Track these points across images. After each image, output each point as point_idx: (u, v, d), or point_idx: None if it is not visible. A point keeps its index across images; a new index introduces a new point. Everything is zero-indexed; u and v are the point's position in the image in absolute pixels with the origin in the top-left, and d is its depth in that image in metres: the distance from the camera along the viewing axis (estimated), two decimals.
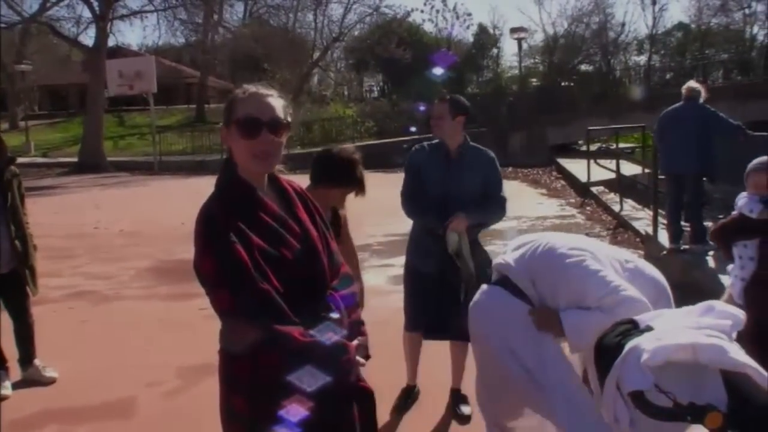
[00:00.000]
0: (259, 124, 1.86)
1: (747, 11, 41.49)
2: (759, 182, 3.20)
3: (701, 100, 6.67)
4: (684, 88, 6.84)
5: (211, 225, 1.81)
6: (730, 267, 3.50)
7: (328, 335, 1.75)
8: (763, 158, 3.33)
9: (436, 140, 3.75)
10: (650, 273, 2.64)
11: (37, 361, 4.56)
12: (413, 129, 20.64)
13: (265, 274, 1.75)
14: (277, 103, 1.92)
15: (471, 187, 3.59)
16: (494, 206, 3.66)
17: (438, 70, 25.28)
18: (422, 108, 20.56)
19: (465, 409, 3.75)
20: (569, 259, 2.58)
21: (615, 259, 2.61)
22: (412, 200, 3.70)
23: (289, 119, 1.95)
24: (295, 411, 1.71)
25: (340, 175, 3.00)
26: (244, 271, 1.73)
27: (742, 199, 3.36)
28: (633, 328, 1.61)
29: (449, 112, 3.59)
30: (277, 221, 1.88)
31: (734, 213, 3.40)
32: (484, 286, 2.89)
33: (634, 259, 2.74)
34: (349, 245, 3.24)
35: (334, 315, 1.84)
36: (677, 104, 6.82)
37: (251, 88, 1.94)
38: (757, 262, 3.24)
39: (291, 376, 1.68)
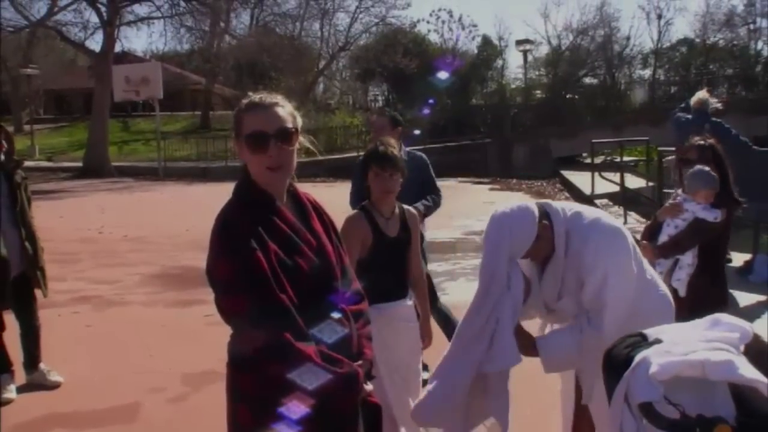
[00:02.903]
0: (267, 138, 1.84)
1: (752, 26, 41.59)
2: (708, 196, 3.66)
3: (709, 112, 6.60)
4: (693, 100, 6.78)
5: (230, 229, 1.80)
6: (665, 265, 3.79)
7: (329, 335, 1.76)
8: (710, 175, 3.68)
9: None
10: (663, 289, 2.66)
11: (42, 365, 4.57)
12: (417, 132, 20.68)
13: (281, 283, 1.75)
14: (283, 111, 1.90)
15: (411, 187, 3.74)
16: (434, 200, 4.42)
17: (443, 74, 25.40)
18: (426, 112, 20.67)
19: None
20: (612, 231, 2.52)
21: (640, 262, 2.62)
22: (360, 200, 3.86)
23: (298, 124, 1.93)
24: (297, 413, 1.71)
25: None
26: (264, 278, 1.73)
27: (702, 210, 3.68)
28: (642, 341, 1.62)
29: (389, 124, 4.36)
30: (294, 232, 1.87)
31: (690, 221, 3.73)
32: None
33: (652, 271, 2.75)
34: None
35: (336, 315, 1.84)
36: (687, 116, 6.76)
37: (255, 98, 1.92)
38: (699, 258, 3.73)
39: (293, 375, 1.68)
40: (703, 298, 3.57)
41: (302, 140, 1.98)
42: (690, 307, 3.41)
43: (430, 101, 24.11)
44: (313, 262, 1.85)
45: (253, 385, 1.78)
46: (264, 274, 1.73)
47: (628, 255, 2.48)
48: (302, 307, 1.76)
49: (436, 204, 4.48)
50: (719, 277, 3.86)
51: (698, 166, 3.71)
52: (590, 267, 2.45)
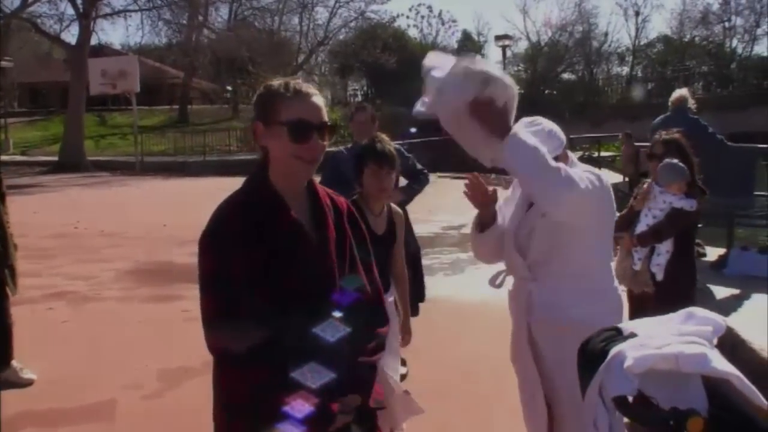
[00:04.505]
0: (311, 129, 1.76)
1: (727, 24, 42.18)
2: (681, 187, 3.87)
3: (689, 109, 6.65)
4: (672, 98, 6.84)
5: (220, 227, 1.75)
6: (642, 253, 3.97)
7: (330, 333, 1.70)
8: (680, 167, 3.87)
9: (350, 145, 4.74)
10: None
11: (14, 363, 4.50)
12: (413, 130, 20.66)
13: (260, 290, 1.69)
14: (322, 103, 1.83)
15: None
16: (419, 181, 4.71)
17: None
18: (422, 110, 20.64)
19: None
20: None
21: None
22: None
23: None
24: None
25: None
26: (230, 283, 1.69)
27: (679, 200, 3.88)
28: (617, 335, 1.63)
29: (371, 118, 4.63)
30: (294, 233, 1.78)
31: (667, 211, 3.90)
32: None
33: None
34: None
35: (336, 314, 1.76)
36: (666, 114, 6.84)
37: (294, 84, 1.80)
38: (675, 244, 3.93)
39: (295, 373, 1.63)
40: (679, 279, 3.89)
41: None
42: (668, 289, 3.79)
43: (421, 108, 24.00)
44: (307, 266, 1.77)
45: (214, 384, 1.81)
46: (231, 278, 1.68)
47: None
48: (297, 310, 1.71)
49: (422, 182, 4.71)
50: (692, 260, 4.17)
51: (668, 160, 3.91)
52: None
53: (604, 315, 2.39)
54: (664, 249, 3.94)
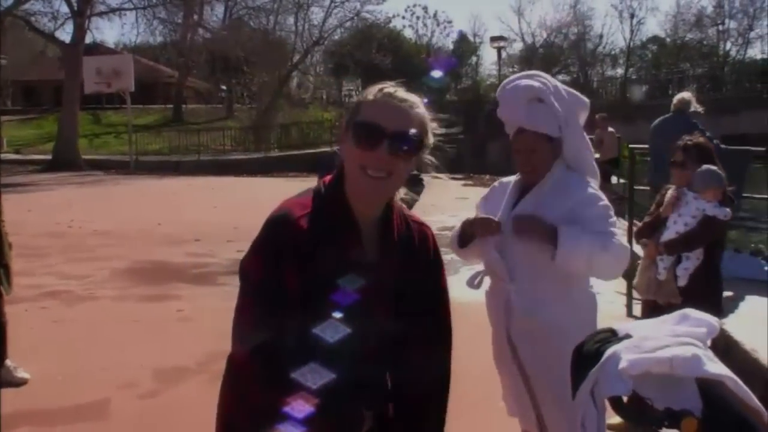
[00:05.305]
0: (380, 135, 1.50)
1: (720, 27, 42.37)
2: (717, 194, 3.75)
3: (690, 112, 6.66)
4: (675, 100, 6.78)
5: (277, 229, 1.54)
6: (668, 261, 3.83)
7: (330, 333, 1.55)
8: (718, 173, 3.75)
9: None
10: None
11: (8, 362, 4.48)
12: (413, 131, 20.71)
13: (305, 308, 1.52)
14: (416, 114, 1.56)
15: None
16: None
17: (437, 73, 25.42)
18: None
19: None
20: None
21: None
22: None
23: (430, 139, 1.60)
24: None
25: None
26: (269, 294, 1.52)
27: (713, 208, 3.73)
28: (612, 336, 1.64)
29: None
30: (353, 263, 1.54)
31: (700, 219, 3.77)
32: None
33: None
34: None
35: (337, 315, 1.55)
36: (666, 116, 6.85)
37: (388, 88, 1.58)
38: (704, 252, 3.80)
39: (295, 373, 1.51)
40: (708, 292, 3.73)
41: (427, 158, 1.64)
42: (697, 301, 3.56)
43: (425, 101, 23.97)
44: (356, 311, 1.53)
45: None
46: (281, 293, 1.52)
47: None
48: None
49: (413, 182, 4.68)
50: (719, 271, 3.98)
51: (706, 166, 3.77)
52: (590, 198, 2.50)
53: (581, 315, 2.46)
54: (694, 256, 3.78)
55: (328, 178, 1.63)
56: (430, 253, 1.73)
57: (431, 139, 1.61)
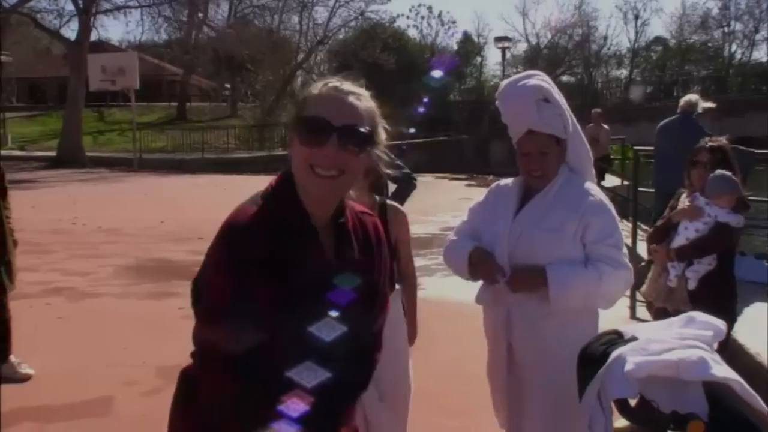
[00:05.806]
0: (327, 129, 1.42)
1: (726, 29, 42.28)
2: (731, 200, 3.66)
3: (697, 114, 6.60)
4: (682, 101, 6.72)
5: (241, 244, 1.45)
6: (679, 268, 3.76)
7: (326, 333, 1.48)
8: (733, 179, 3.67)
9: None
10: None
11: (12, 358, 4.49)
12: (412, 130, 20.68)
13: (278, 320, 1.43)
14: (365, 107, 1.48)
15: None
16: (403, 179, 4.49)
17: (437, 73, 25.39)
18: (421, 110, 20.71)
19: None
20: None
21: None
22: None
23: (381, 133, 1.52)
24: None
25: None
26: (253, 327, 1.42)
27: (726, 215, 3.67)
28: (618, 338, 1.64)
29: None
30: (323, 269, 1.47)
31: (712, 225, 3.69)
32: None
33: None
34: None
35: (333, 313, 1.47)
36: (672, 117, 6.79)
37: (333, 81, 1.49)
38: (717, 259, 3.72)
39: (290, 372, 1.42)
40: (721, 299, 3.63)
41: (378, 153, 1.54)
42: (710, 308, 3.45)
43: (425, 100, 23.98)
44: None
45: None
46: (250, 311, 1.42)
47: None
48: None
49: (406, 180, 4.40)
50: (733, 278, 3.87)
51: (719, 170, 3.67)
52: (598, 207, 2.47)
53: (582, 328, 2.38)
54: (705, 261, 3.69)
55: (273, 180, 1.54)
56: (383, 242, 1.67)
57: (383, 135, 1.53)
